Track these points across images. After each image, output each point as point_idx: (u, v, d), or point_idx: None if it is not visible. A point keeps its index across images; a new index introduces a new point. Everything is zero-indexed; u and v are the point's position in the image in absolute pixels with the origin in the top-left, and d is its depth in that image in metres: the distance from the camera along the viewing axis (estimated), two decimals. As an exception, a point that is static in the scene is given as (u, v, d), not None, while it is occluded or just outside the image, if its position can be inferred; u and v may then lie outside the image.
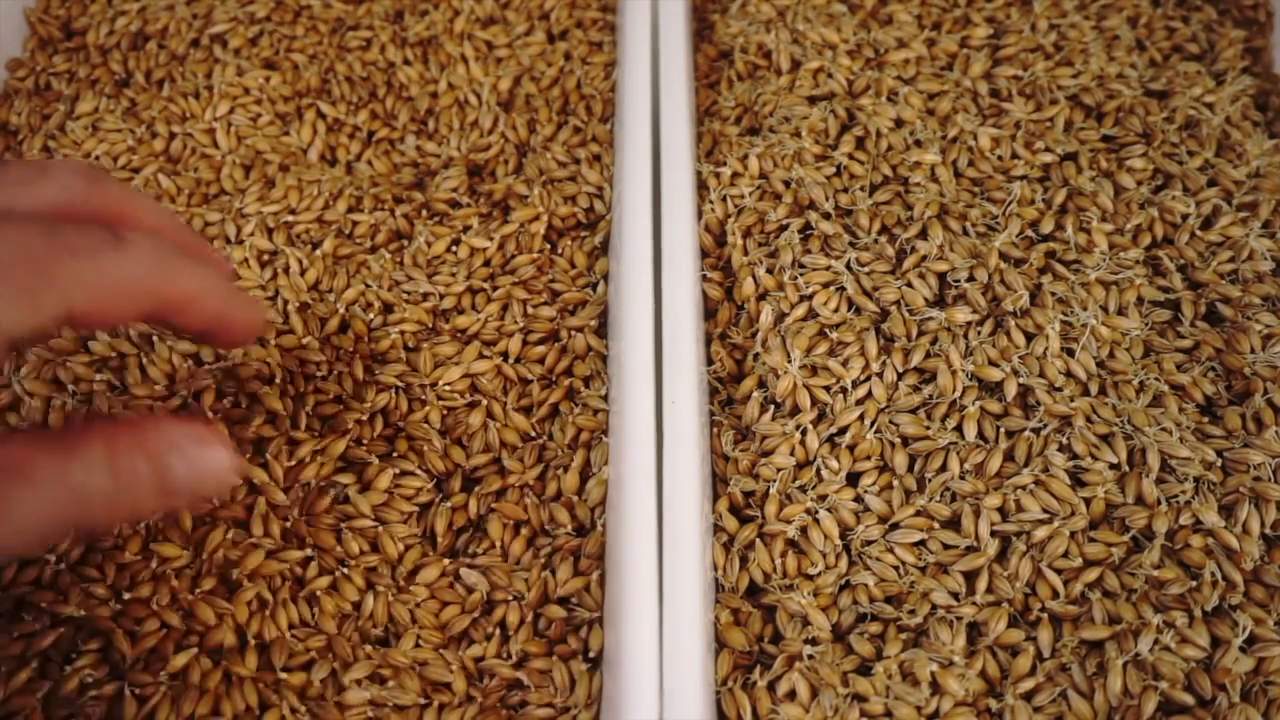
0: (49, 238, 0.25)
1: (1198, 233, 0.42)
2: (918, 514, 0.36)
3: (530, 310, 0.43)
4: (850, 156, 0.45)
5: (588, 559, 0.37)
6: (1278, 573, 0.34)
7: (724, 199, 0.44)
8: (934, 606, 0.35)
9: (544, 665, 0.36)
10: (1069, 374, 0.39)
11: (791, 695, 0.33)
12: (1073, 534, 0.35)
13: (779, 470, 0.37)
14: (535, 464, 0.39)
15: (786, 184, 0.44)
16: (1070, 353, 0.39)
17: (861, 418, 0.38)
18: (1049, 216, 0.43)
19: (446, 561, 0.38)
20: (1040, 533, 0.35)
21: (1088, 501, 0.36)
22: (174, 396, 0.40)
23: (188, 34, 0.52)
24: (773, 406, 0.39)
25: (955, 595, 0.35)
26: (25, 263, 0.25)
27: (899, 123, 0.46)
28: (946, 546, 0.36)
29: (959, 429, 0.38)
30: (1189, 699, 0.32)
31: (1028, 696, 0.33)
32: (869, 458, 0.38)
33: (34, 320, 0.25)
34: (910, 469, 0.38)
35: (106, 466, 0.26)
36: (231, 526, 0.38)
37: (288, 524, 0.38)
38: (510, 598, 0.37)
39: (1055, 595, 0.34)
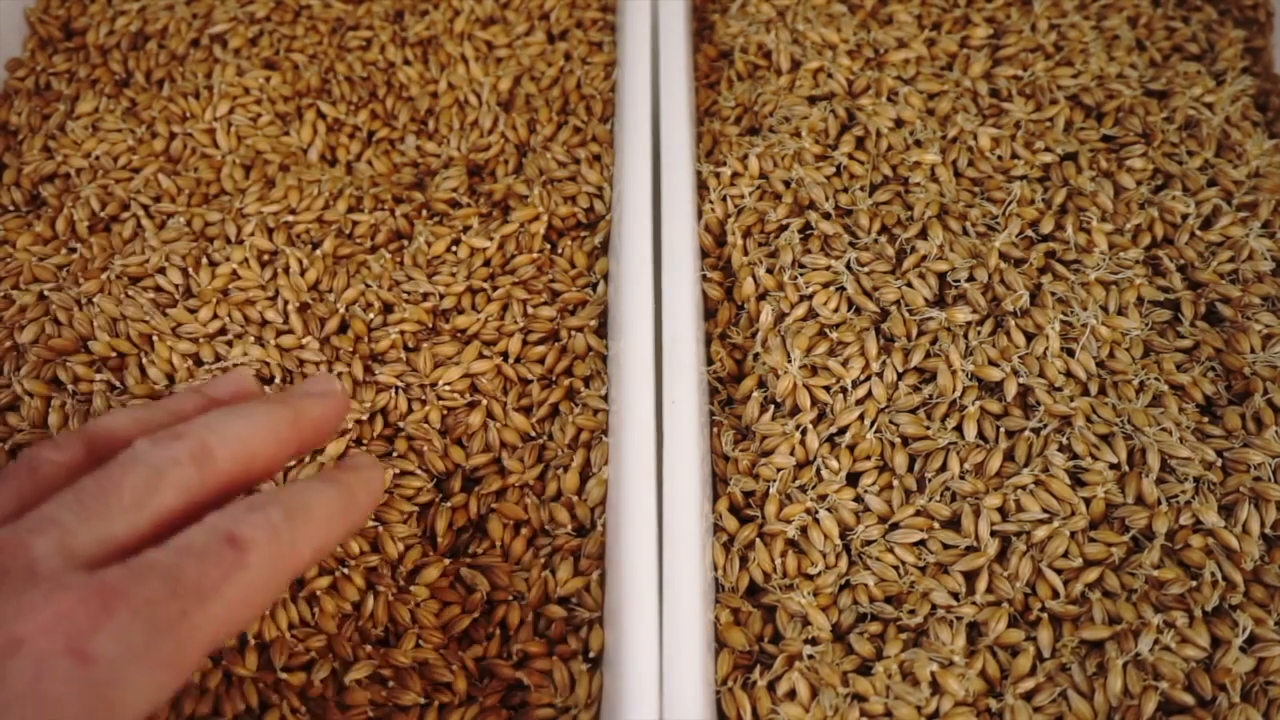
0: (174, 597, 0.24)
1: (1197, 233, 0.42)
2: (918, 514, 0.36)
3: (530, 310, 0.43)
4: (850, 156, 0.45)
5: (588, 559, 0.37)
6: (1278, 573, 0.34)
7: (724, 199, 0.44)
8: (934, 606, 0.34)
9: (544, 665, 0.36)
10: (1069, 374, 0.39)
11: (791, 695, 0.33)
12: (1073, 534, 0.35)
13: (779, 470, 0.37)
14: (535, 464, 0.39)
15: (786, 184, 0.44)
16: (1070, 353, 0.39)
17: (861, 417, 0.38)
18: (1049, 216, 0.43)
19: (447, 561, 0.38)
20: (1040, 533, 0.35)
21: (1088, 501, 0.36)
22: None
23: (188, 34, 0.52)
24: (773, 406, 0.39)
25: (955, 595, 0.35)
26: (163, 633, 0.24)
27: (899, 123, 0.46)
28: (946, 546, 0.36)
29: (959, 429, 0.38)
30: (1189, 699, 0.32)
31: (1028, 696, 0.33)
32: (869, 457, 0.38)
33: (180, 682, 0.25)
34: (910, 469, 0.38)
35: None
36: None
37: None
38: (510, 598, 0.37)
39: (1055, 595, 0.34)
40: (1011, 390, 0.38)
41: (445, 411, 0.40)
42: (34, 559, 0.24)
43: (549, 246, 0.45)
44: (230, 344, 0.41)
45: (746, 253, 0.43)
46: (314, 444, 0.30)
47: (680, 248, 0.41)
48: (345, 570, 0.37)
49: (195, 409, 0.30)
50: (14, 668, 0.22)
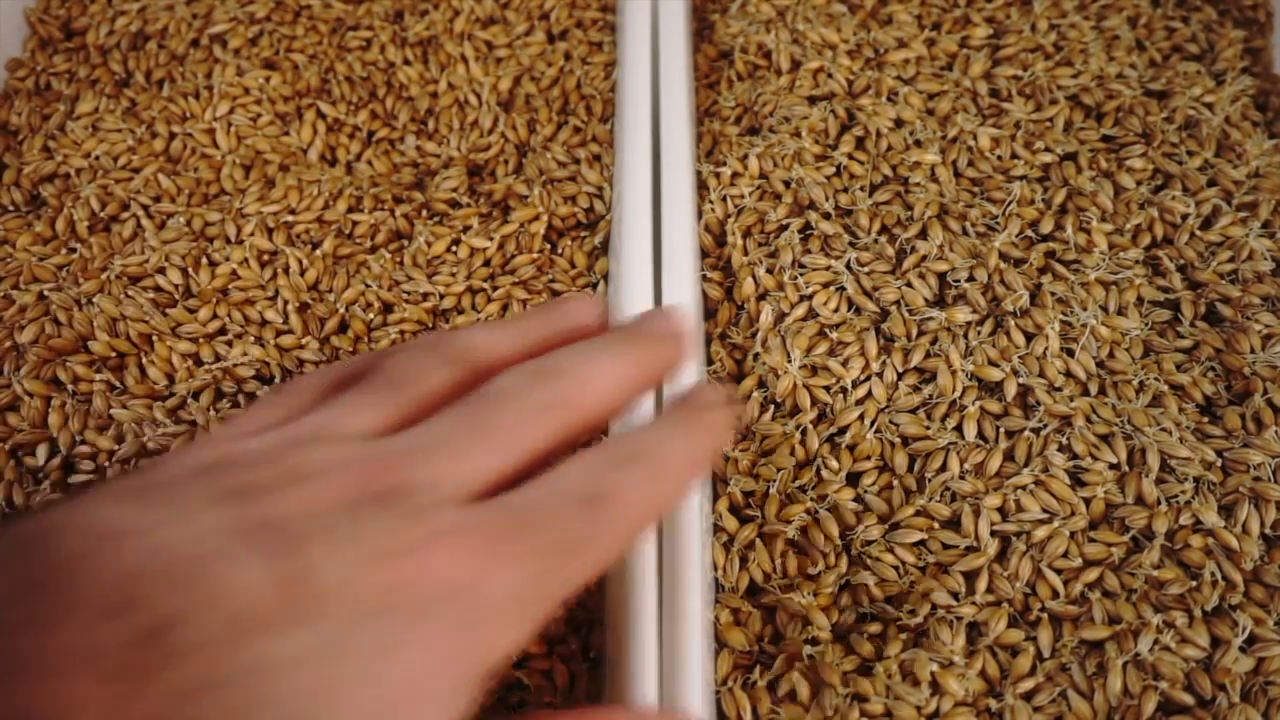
0: (546, 552, 0.24)
1: (1197, 233, 0.42)
2: (918, 514, 0.36)
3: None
4: (850, 156, 0.45)
5: (587, 559, 0.37)
6: (1278, 573, 0.34)
7: (724, 199, 0.44)
8: (934, 606, 0.34)
9: (543, 665, 0.35)
10: (1069, 374, 0.39)
11: (791, 695, 0.33)
12: (1073, 534, 0.35)
13: (779, 470, 0.37)
14: (535, 464, 0.39)
15: (786, 184, 0.44)
16: (1070, 353, 0.39)
17: (861, 418, 0.38)
18: (1049, 216, 0.43)
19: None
20: (1040, 533, 0.35)
21: (1088, 501, 0.36)
22: (172, 396, 0.40)
23: (188, 34, 0.52)
24: (773, 406, 0.39)
25: (955, 595, 0.35)
26: (532, 586, 0.24)
27: (899, 123, 0.47)
28: (946, 546, 0.36)
29: (959, 429, 0.38)
30: (1189, 699, 0.32)
31: (1028, 696, 0.33)
32: (869, 458, 0.38)
33: (535, 632, 0.25)
34: (910, 469, 0.38)
35: None
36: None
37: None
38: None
39: (1055, 595, 0.34)
40: (1011, 390, 0.38)
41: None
42: (416, 490, 0.24)
43: (549, 247, 0.45)
44: (230, 344, 0.41)
45: (746, 253, 0.43)
46: (655, 386, 0.30)
47: (680, 248, 0.41)
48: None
49: (551, 335, 0.30)
50: (397, 602, 0.22)
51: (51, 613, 0.20)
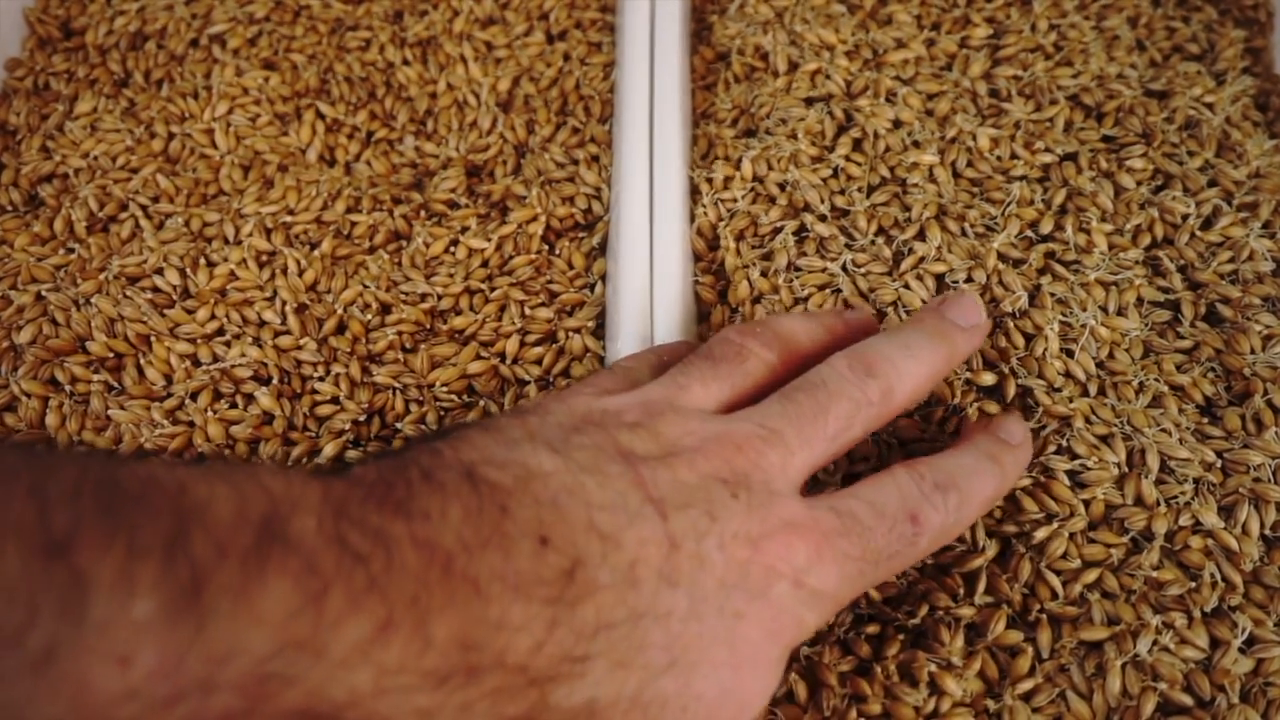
0: (861, 558, 0.27)
1: (1198, 233, 0.42)
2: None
3: (528, 311, 0.43)
4: (847, 158, 0.45)
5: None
6: (1277, 574, 0.34)
7: (716, 203, 0.44)
8: (932, 608, 0.34)
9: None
10: (1068, 375, 0.39)
11: (789, 695, 0.33)
12: (1072, 535, 0.35)
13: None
14: (532, 465, 0.39)
15: (782, 186, 0.44)
16: (1069, 353, 0.39)
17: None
18: (1048, 217, 0.43)
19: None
20: (1040, 534, 0.35)
21: (1087, 503, 0.36)
22: (170, 397, 0.40)
23: (187, 34, 0.52)
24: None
25: (954, 596, 0.35)
26: (845, 584, 0.27)
27: (897, 123, 0.46)
28: (945, 548, 0.36)
29: (957, 432, 0.38)
30: (1188, 700, 0.32)
31: (1026, 697, 0.33)
32: (865, 459, 0.37)
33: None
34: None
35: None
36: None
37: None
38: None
39: (1054, 596, 0.34)
40: (1010, 391, 0.38)
41: (442, 413, 0.40)
42: (769, 474, 0.27)
43: (547, 247, 0.45)
44: (228, 344, 0.41)
45: (739, 255, 0.43)
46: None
47: (673, 251, 0.41)
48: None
49: (844, 330, 0.33)
50: (745, 578, 0.25)
51: (498, 540, 0.23)
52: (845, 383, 0.29)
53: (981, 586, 0.34)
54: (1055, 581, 0.34)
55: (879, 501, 0.28)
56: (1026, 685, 0.33)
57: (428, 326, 0.43)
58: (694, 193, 0.45)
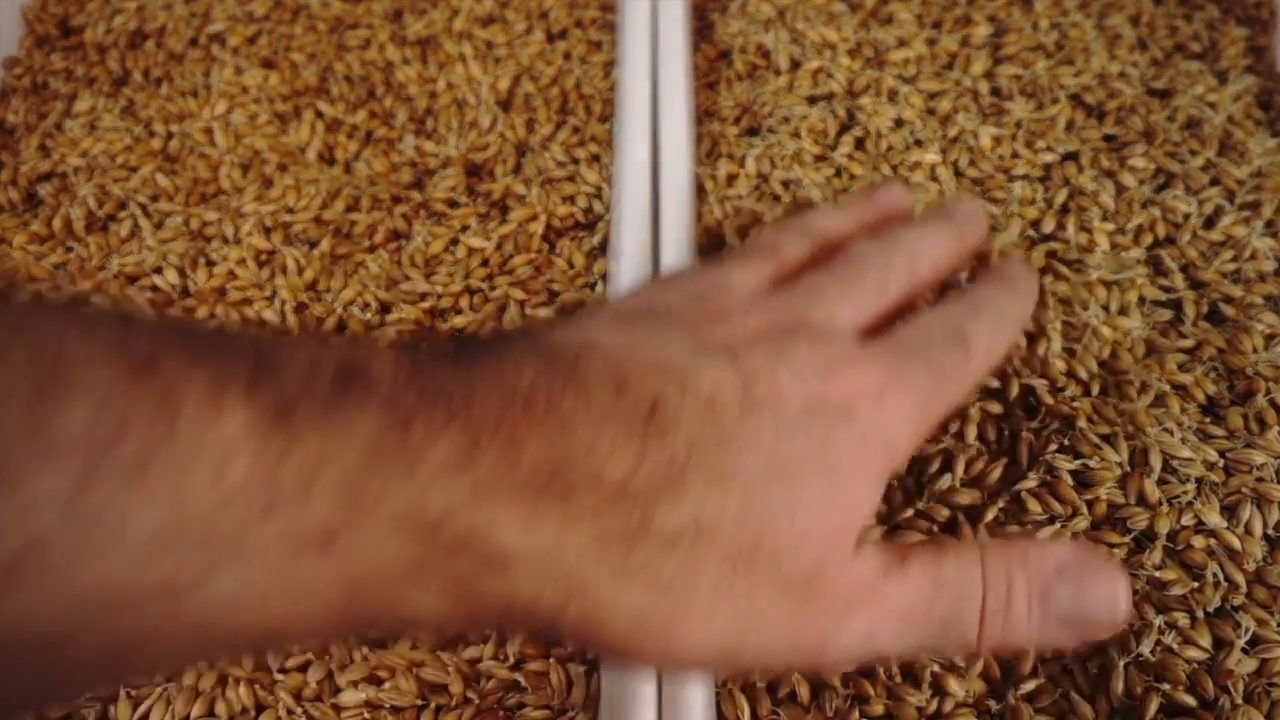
0: (929, 379, 0.28)
1: (1200, 232, 0.42)
2: (918, 515, 0.36)
3: (528, 311, 0.43)
4: (849, 157, 0.45)
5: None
6: (1281, 574, 0.34)
7: (721, 201, 0.44)
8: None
9: (541, 667, 0.35)
10: (1071, 374, 0.39)
11: (792, 696, 0.33)
12: (1075, 534, 0.35)
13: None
14: (533, 464, 0.39)
15: (785, 185, 0.44)
16: (1071, 353, 0.39)
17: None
18: (1050, 216, 0.43)
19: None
20: (1044, 534, 0.35)
21: (1090, 503, 0.36)
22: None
23: (186, 33, 0.52)
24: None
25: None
26: (920, 409, 0.28)
27: (899, 122, 0.46)
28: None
29: (960, 434, 0.38)
30: (1191, 700, 0.32)
31: (1029, 698, 0.33)
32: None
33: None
34: (910, 471, 0.37)
35: (977, 572, 0.27)
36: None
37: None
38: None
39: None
40: (1014, 391, 0.38)
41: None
42: (818, 325, 0.28)
43: (547, 247, 0.45)
44: (227, 344, 0.41)
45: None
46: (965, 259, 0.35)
47: (678, 249, 0.41)
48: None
49: (875, 218, 0.35)
50: (825, 405, 0.26)
51: (575, 386, 0.24)
52: (872, 251, 0.31)
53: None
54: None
55: (926, 328, 0.29)
56: (1029, 685, 0.33)
57: (428, 326, 0.43)
58: (699, 190, 0.45)
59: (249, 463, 0.19)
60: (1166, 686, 0.32)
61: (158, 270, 0.43)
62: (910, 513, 0.36)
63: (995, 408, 0.38)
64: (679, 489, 0.24)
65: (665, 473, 0.24)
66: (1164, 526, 0.35)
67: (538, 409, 0.23)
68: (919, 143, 0.45)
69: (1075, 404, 0.37)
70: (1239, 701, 0.32)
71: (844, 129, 0.46)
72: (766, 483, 0.25)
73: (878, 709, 0.32)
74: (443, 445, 0.22)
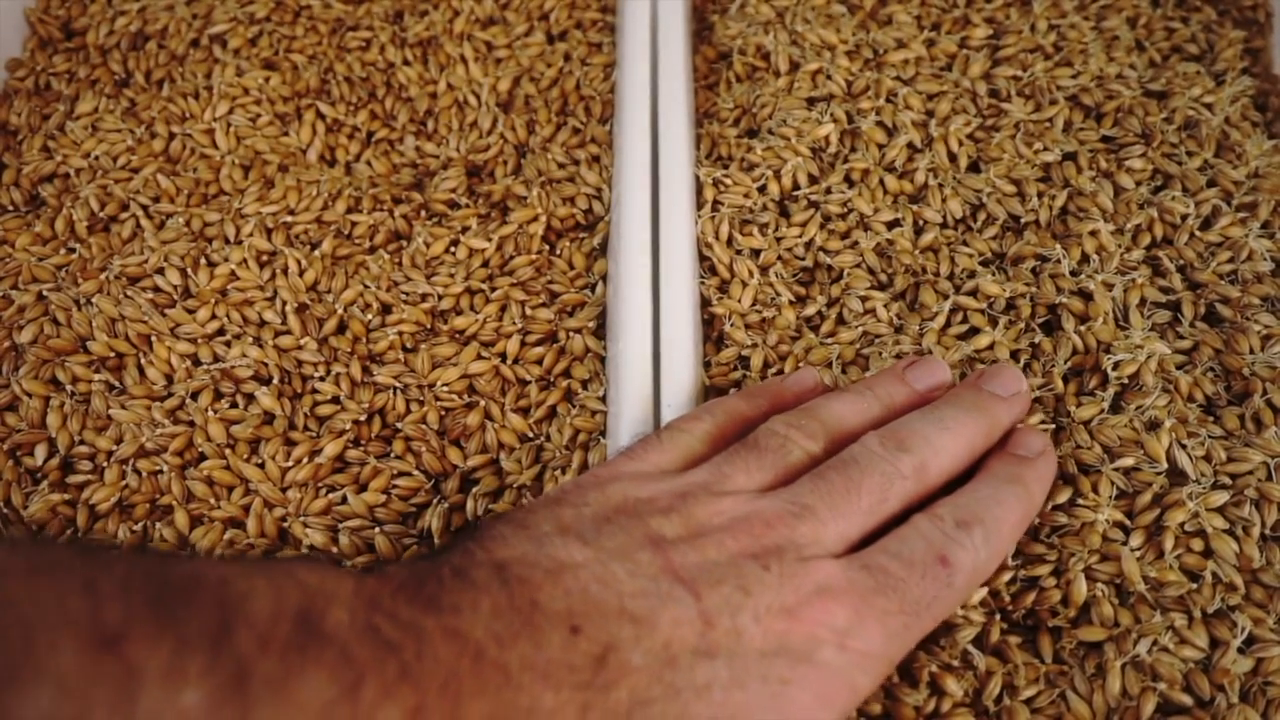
0: (901, 611, 0.27)
1: (1197, 233, 0.42)
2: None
3: (528, 311, 0.43)
4: (847, 159, 0.45)
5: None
6: (1277, 574, 0.34)
7: (720, 202, 0.44)
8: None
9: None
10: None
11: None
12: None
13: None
14: (533, 465, 0.39)
15: (784, 186, 0.44)
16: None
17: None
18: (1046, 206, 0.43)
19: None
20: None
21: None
22: (171, 396, 0.40)
23: (187, 34, 0.52)
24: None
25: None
26: (890, 640, 0.27)
27: (898, 124, 0.46)
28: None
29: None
30: (1188, 700, 0.32)
31: (1027, 698, 0.33)
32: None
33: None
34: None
35: None
36: (228, 526, 0.38)
37: (284, 524, 0.38)
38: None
39: (1064, 602, 0.34)
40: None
41: (443, 412, 0.40)
42: (801, 545, 0.27)
43: (547, 248, 0.45)
44: (229, 344, 0.41)
45: (742, 254, 0.43)
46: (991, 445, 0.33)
47: (678, 250, 0.41)
48: (343, 571, 0.36)
49: (904, 401, 0.33)
50: (786, 645, 0.26)
51: (528, 632, 0.24)
52: (877, 458, 0.30)
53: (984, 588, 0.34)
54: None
55: (905, 552, 0.28)
56: (1028, 691, 0.33)
57: (428, 326, 0.43)
58: (698, 191, 0.45)
59: None
60: (1163, 686, 0.32)
61: (159, 271, 0.43)
62: None
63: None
64: None
65: None
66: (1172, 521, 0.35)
67: (487, 663, 0.23)
68: (915, 144, 0.46)
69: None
70: (1235, 701, 0.32)
71: (843, 130, 0.46)
72: None
73: (875, 709, 0.32)
74: (389, 711, 0.22)
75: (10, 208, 0.47)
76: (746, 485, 0.30)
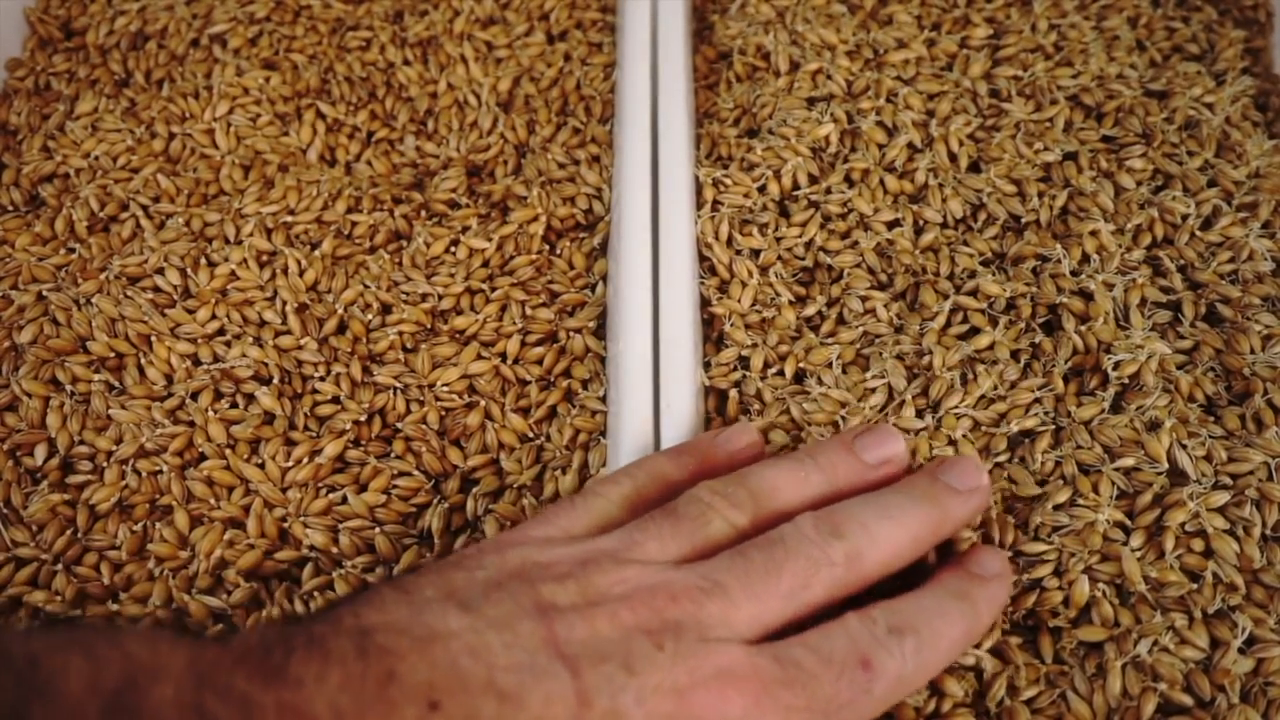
0: (808, 710, 0.25)
1: (1198, 233, 0.42)
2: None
3: (529, 311, 0.43)
4: (847, 159, 0.45)
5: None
6: (1278, 574, 0.34)
7: (720, 202, 0.44)
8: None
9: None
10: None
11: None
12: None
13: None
14: (533, 465, 0.39)
15: (784, 186, 0.44)
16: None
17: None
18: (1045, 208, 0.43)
19: (444, 562, 0.37)
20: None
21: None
22: (171, 396, 0.40)
23: (187, 34, 0.52)
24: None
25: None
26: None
27: (898, 124, 0.46)
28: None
29: (962, 438, 0.38)
30: (1188, 700, 0.32)
31: (1027, 699, 0.33)
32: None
33: None
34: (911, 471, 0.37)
35: None
36: (228, 527, 0.37)
37: (285, 525, 0.38)
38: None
39: (1065, 602, 0.34)
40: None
41: (443, 412, 0.40)
42: (706, 624, 0.25)
43: (548, 248, 0.45)
44: (229, 344, 0.41)
45: (741, 254, 0.43)
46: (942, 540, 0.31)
47: (678, 250, 0.41)
48: (340, 572, 0.36)
49: (848, 474, 0.30)
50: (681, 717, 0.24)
51: (379, 707, 0.22)
52: (805, 541, 0.28)
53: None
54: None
55: (825, 648, 0.26)
56: (1031, 691, 0.33)
57: (428, 326, 0.43)
58: (698, 191, 0.45)
59: None
60: (1163, 686, 0.32)
61: (159, 271, 0.43)
62: None
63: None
64: None
65: None
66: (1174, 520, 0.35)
67: None
68: (916, 144, 0.46)
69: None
70: (1235, 701, 0.32)
71: (843, 130, 0.46)
72: None
73: (876, 708, 0.32)
74: None
75: (10, 208, 0.47)
76: (658, 555, 0.27)
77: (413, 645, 0.23)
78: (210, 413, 0.39)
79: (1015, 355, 0.39)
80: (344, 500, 0.38)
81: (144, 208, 0.46)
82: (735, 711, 0.24)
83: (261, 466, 0.39)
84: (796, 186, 0.45)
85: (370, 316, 0.43)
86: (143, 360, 0.41)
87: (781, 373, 0.39)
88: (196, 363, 0.41)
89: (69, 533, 0.37)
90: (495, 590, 0.25)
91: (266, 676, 0.22)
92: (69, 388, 0.40)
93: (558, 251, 0.45)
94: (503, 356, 0.42)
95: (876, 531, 0.28)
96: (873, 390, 0.38)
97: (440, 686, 0.23)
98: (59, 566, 0.36)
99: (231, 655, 0.23)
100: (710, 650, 0.25)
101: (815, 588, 0.27)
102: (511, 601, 0.25)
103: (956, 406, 0.38)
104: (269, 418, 0.40)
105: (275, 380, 0.40)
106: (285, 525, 0.37)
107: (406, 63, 0.53)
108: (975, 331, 0.40)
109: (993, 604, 0.30)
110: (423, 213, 0.47)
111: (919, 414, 0.37)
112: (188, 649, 0.22)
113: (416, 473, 0.39)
